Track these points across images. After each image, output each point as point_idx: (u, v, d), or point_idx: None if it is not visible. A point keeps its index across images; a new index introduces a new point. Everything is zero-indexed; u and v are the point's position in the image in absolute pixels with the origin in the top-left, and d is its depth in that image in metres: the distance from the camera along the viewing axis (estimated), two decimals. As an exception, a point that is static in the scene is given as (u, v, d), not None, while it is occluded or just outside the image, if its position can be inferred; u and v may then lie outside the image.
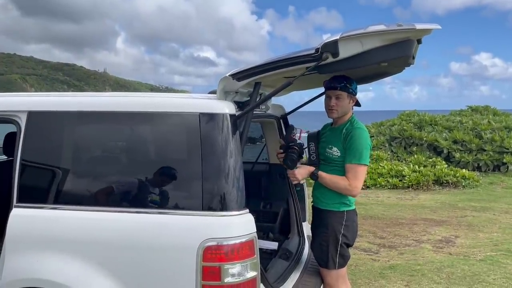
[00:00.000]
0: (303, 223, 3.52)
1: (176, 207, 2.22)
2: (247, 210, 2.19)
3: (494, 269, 4.72)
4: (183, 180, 2.25)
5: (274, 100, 3.26)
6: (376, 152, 11.84)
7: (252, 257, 2.12)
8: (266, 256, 3.07)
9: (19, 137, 2.41)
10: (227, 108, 2.24)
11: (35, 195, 2.37)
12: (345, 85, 2.77)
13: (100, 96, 2.56)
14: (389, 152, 12.38)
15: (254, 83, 2.32)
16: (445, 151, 12.00)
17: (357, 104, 2.92)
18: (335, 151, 2.83)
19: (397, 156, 12.21)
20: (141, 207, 2.24)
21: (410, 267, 4.80)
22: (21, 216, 2.32)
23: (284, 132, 3.37)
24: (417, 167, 10.51)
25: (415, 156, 11.51)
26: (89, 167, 2.46)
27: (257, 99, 2.41)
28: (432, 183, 9.93)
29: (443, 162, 11.02)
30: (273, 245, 3.30)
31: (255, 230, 2.17)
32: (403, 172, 10.25)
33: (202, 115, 2.20)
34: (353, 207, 2.92)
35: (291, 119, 3.54)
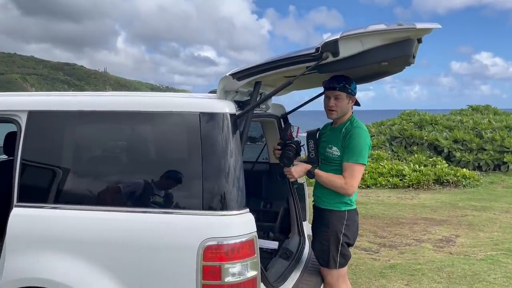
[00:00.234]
0: (303, 223, 3.52)
1: (176, 206, 2.22)
2: (248, 210, 2.19)
3: (495, 268, 4.72)
4: (183, 179, 2.24)
5: (274, 99, 3.26)
6: (376, 151, 11.85)
7: (252, 256, 2.12)
8: (267, 256, 3.07)
9: (20, 137, 2.41)
10: (227, 107, 2.24)
11: (35, 194, 2.37)
12: (344, 85, 2.77)
13: (101, 96, 2.56)
14: (389, 152, 12.38)
15: (254, 82, 2.31)
16: (446, 150, 11.99)
17: (357, 103, 2.91)
18: (335, 151, 2.83)
19: (398, 156, 12.21)
20: (141, 207, 2.24)
21: (411, 266, 4.80)
22: (21, 215, 2.32)
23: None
24: (417, 166, 10.51)
25: (416, 155, 11.51)
26: (89, 167, 2.46)
27: (257, 98, 2.41)
28: (433, 182, 9.93)
29: (444, 161, 11.03)
30: (274, 245, 3.30)
31: (256, 230, 2.17)
32: (404, 171, 10.25)
33: (202, 114, 2.19)
34: (354, 207, 2.92)
35: (291, 119, 3.53)
